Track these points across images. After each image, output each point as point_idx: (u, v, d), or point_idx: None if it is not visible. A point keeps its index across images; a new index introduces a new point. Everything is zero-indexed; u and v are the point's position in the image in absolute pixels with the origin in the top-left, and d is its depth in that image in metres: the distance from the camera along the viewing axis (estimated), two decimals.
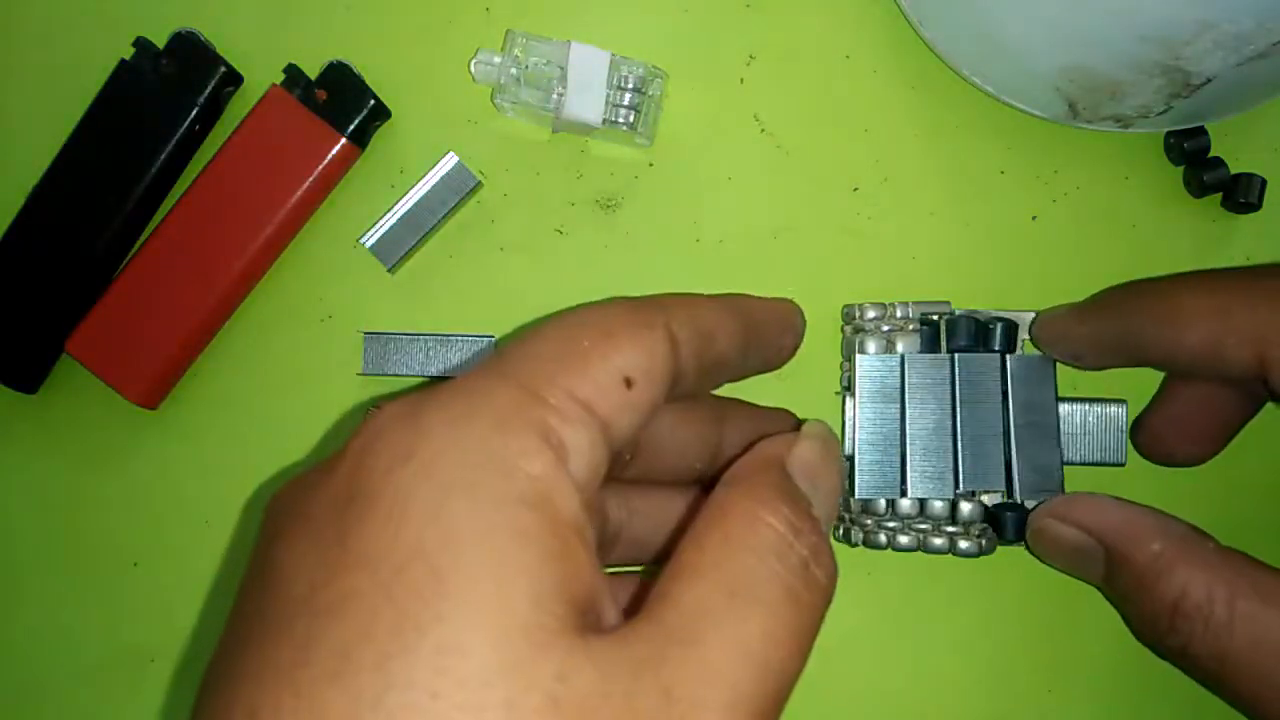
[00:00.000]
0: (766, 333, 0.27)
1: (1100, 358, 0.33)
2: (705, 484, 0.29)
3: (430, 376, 0.37)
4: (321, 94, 0.36)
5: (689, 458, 0.28)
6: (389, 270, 0.37)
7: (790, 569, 0.20)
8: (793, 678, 0.20)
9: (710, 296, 0.25)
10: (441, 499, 0.17)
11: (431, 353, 0.36)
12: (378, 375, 0.37)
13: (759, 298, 0.28)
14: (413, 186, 0.36)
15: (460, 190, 0.36)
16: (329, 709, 0.16)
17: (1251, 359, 0.28)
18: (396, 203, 0.36)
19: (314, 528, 0.18)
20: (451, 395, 0.19)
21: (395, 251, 0.36)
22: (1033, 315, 0.36)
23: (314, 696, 0.16)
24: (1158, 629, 0.28)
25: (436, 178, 0.36)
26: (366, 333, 0.37)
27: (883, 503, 0.34)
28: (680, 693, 0.17)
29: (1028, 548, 0.34)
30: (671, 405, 0.25)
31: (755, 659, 0.18)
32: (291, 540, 0.19)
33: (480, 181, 0.37)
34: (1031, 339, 0.35)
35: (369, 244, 0.36)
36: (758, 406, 0.32)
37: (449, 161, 0.36)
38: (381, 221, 0.36)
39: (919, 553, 0.35)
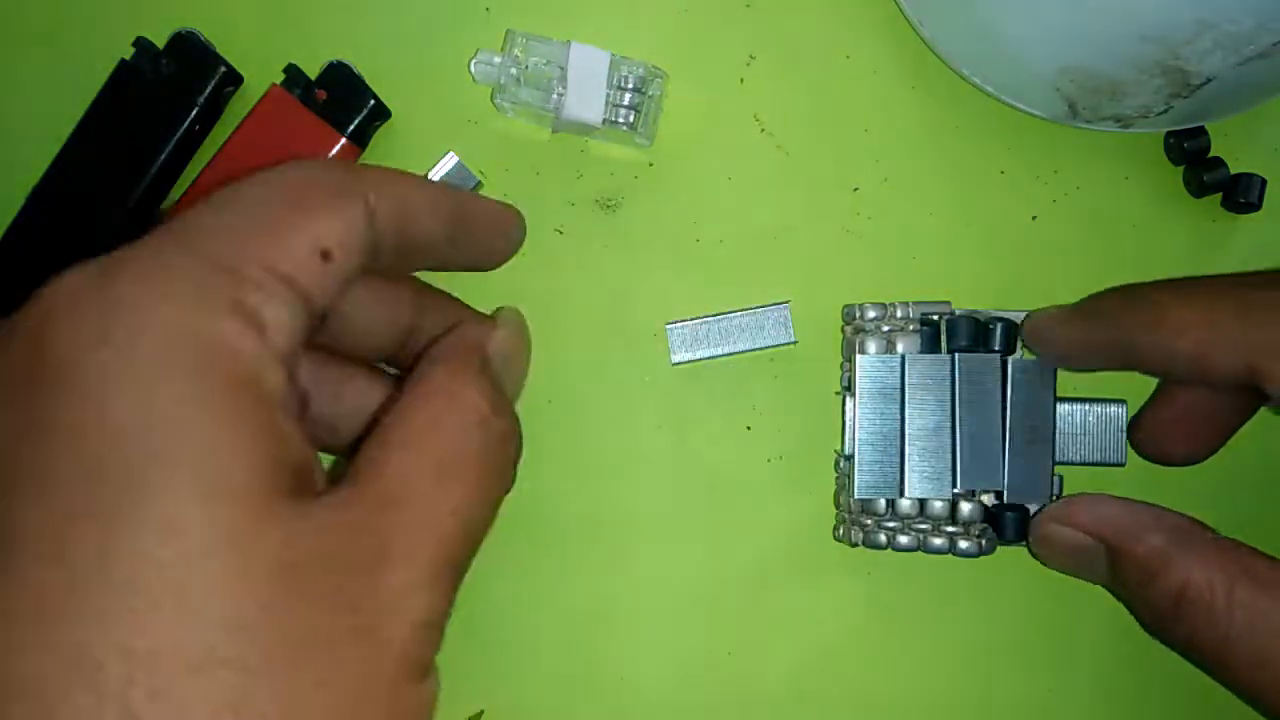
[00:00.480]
0: (477, 228, 0.27)
1: (1089, 361, 0.33)
2: (396, 368, 0.29)
3: None
4: (321, 94, 0.36)
5: (377, 335, 0.27)
6: None
7: (489, 444, 0.21)
8: (485, 533, 0.21)
9: (423, 179, 0.25)
10: (148, 381, 0.17)
11: None
12: None
13: (483, 197, 0.28)
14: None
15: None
16: (46, 589, 0.16)
17: (1241, 368, 0.28)
18: None
19: None
20: (144, 268, 0.18)
21: None
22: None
23: (26, 576, 0.16)
24: (1163, 621, 0.28)
25: (436, 178, 0.36)
26: None
27: (882, 502, 0.34)
28: (396, 550, 0.19)
29: (1032, 554, 0.34)
30: (366, 280, 0.25)
31: (461, 521, 0.20)
32: None
33: (480, 181, 0.37)
34: (1022, 339, 0.35)
35: None
36: (456, 301, 0.30)
37: (449, 161, 0.36)
38: None
39: (919, 553, 0.35)
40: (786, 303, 0.36)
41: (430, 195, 0.24)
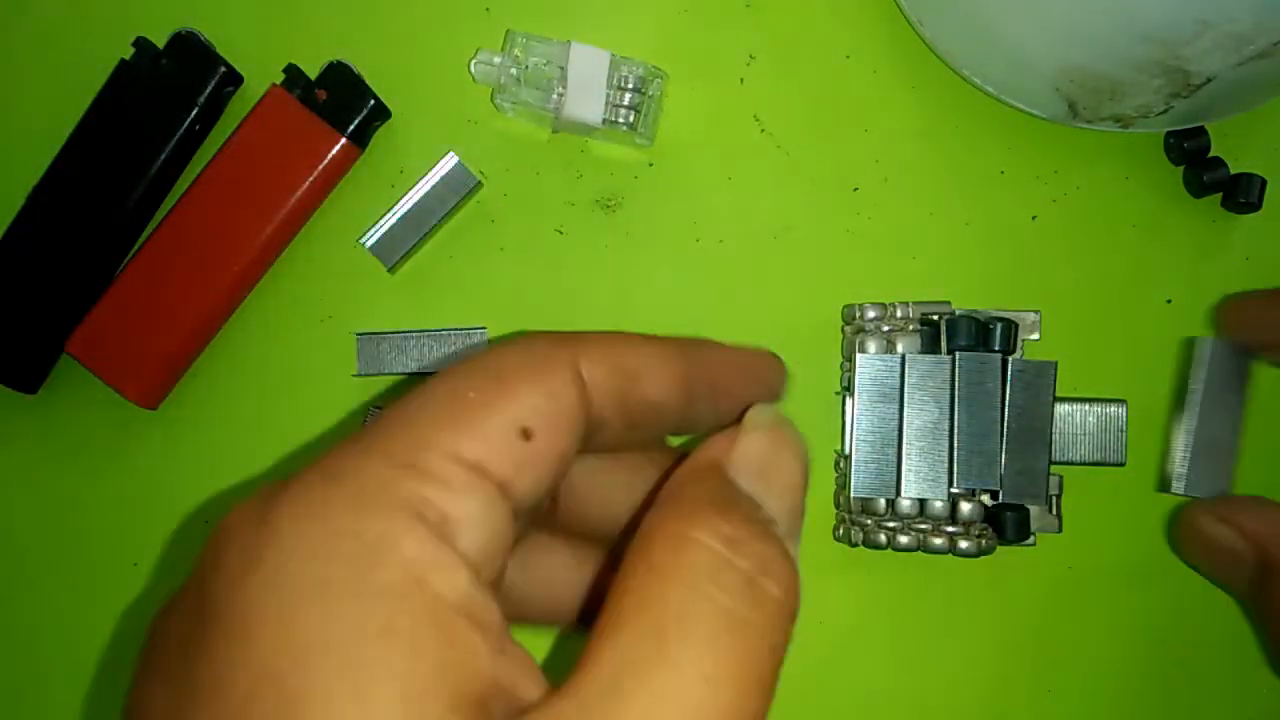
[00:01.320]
0: (723, 382, 0.23)
1: None
2: None
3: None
4: (321, 94, 0.36)
5: (616, 507, 0.23)
6: (389, 270, 0.37)
7: (729, 591, 0.16)
8: (754, 716, 0.16)
9: (646, 336, 0.21)
10: (290, 607, 0.15)
11: (426, 349, 0.36)
12: (374, 375, 0.37)
13: (721, 344, 0.24)
14: (413, 187, 0.36)
15: (460, 190, 0.36)
16: None
17: None
18: (397, 203, 0.36)
19: (164, 659, 0.16)
20: (308, 481, 0.16)
21: (395, 251, 0.36)
22: (1033, 315, 0.36)
23: None
24: None
25: (436, 178, 0.36)
26: (359, 334, 0.37)
27: (882, 502, 0.34)
28: None
29: (1171, 539, 0.32)
30: (602, 458, 0.23)
31: (695, 708, 0.15)
32: (143, 677, 0.16)
33: (480, 181, 0.37)
34: (1217, 324, 0.33)
35: (369, 244, 0.36)
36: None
37: (449, 161, 0.36)
38: (382, 221, 0.36)
39: (919, 553, 0.35)
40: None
41: (657, 353, 0.21)
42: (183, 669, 0.15)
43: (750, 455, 0.20)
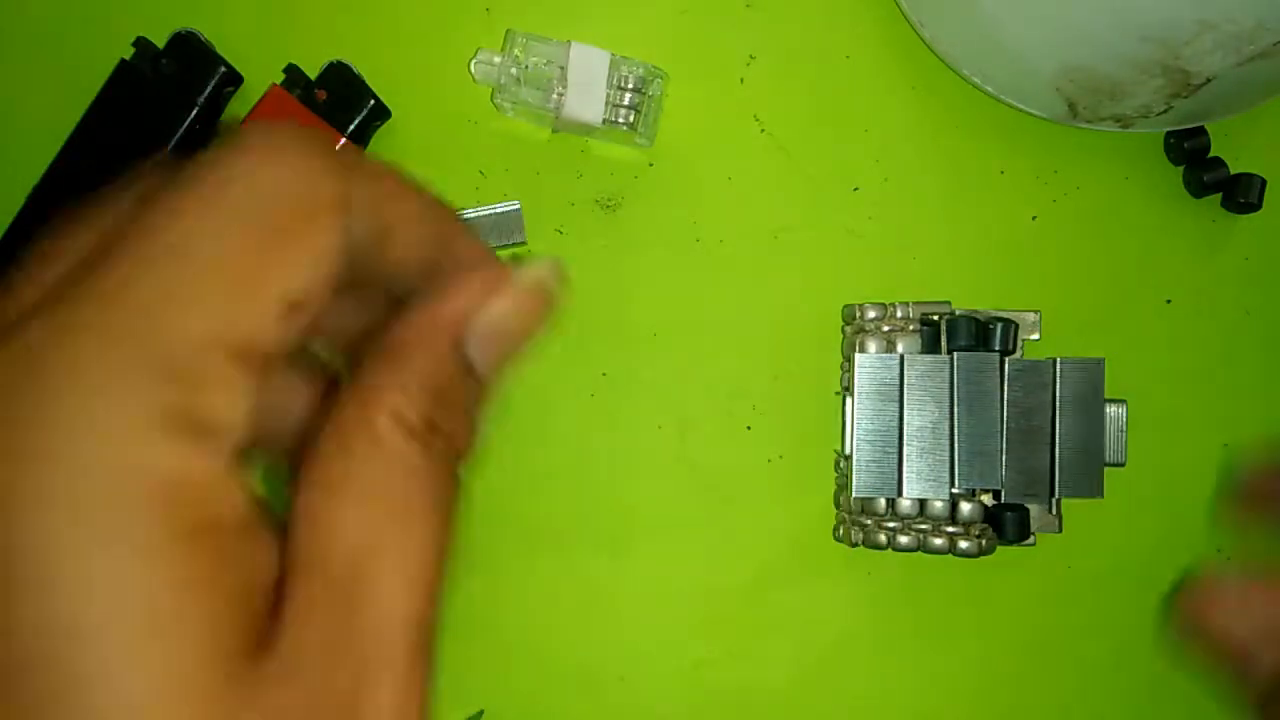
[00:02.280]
0: (461, 266, 0.19)
1: None
2: None
3: None
4: (321, 94, 0.36)
5: (345, 342, 0.21)
6: None
7: (416, 465, 0.16)
8: (447, 561, 0.16)
9: (409, 181, 0.18)
10: (74, 548, 0.13)
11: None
12: None
13: (467, 232, 0.20)
14: (468, 209, 0.36)
15: (506, 237, 0.36)
16: None
17: None
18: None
19: None
20: (60, 389, 0.14)
21: None
22: (1033, 315, 0.36)
23: None
24: None
25: (490, 213, 0.36)
26: None
27: (882, 502, 0.34)
28: (370, 676, 0.15)
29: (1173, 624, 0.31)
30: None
31: (416, 602, 0.16)
32: None
33: (525, 241, 0.37)
34: (1242, 500, 0.32)
35: None
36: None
37: (510, 206, 0.36)
38: None
39: (919, 553, 0.35)
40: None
41: (415, 209, 0.18)
42: None
43: (501, 319, 0.18)
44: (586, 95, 0.35)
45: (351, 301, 0.20)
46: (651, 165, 0.38)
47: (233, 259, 0.15)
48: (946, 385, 0.34)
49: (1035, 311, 0.36)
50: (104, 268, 0.14)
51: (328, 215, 0.16)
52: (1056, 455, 0.34)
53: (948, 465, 0.34)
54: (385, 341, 0.17)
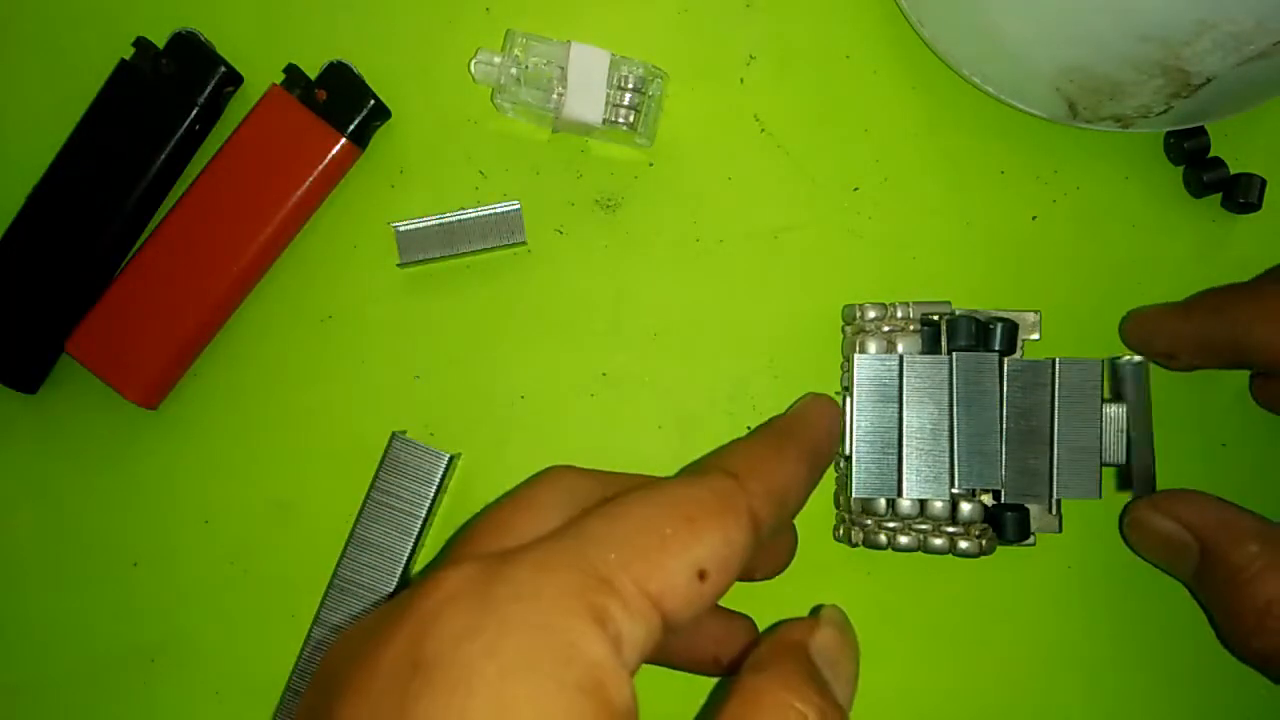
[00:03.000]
0: (826, 458, 0.27)
1: (1197, 356, 0.33)
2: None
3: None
4: (321, 94, 0.36)
5: (719, 646, 0.28)
6: (399, 264, 0.37)
7: None
8: None
9: (779, 446, 0.25)
10: (505, 677, 0.17)
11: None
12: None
13: (812, 415, 0.28)
14: (466, 209, 0.37)
15: (505, 237, 0.36)
16: None
17: None
18: (446, 213, 0.36)
19: (375, 693, 0.18)
20: (522, 570, 0.19)
21: (416, 252, 0.36)
22: (1033, 315, 0.36)
23: None
24: (1243, 631, 0.28)
25: (490, 213, 0.36)
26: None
27: (883, 503, 0.34)
28: None
29: (1123, 535, 0.34)
30: None
31: None
32: (352, 703, 0.18)
33: (525, 242, 0.37)
34: (1121, 335, 0.35)
35: (399, 229, 0.36)
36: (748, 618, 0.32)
37: (510, 206, 0.36)
38: (423, 219, 0.36)
39: (919, 553, 0.35)
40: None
41: (796, 470, 0.24)
42: (398, 703, 0.18)
43: (827, 647, 0.24)
44: (586, 95, 0.35)
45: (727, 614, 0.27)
46: (651, 165, 0.38)
47: (661, 528, 0.20)
48: (946, 385, 0.34)
49: (1035, 311, 0.36)
50: (571, 522, 0.20)
51: (738, 506, 0.21)
52: (1055, 455, 0.34)
53: (947, 465, 0.34)
54: (759, 652, 0.23)
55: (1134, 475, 0.35)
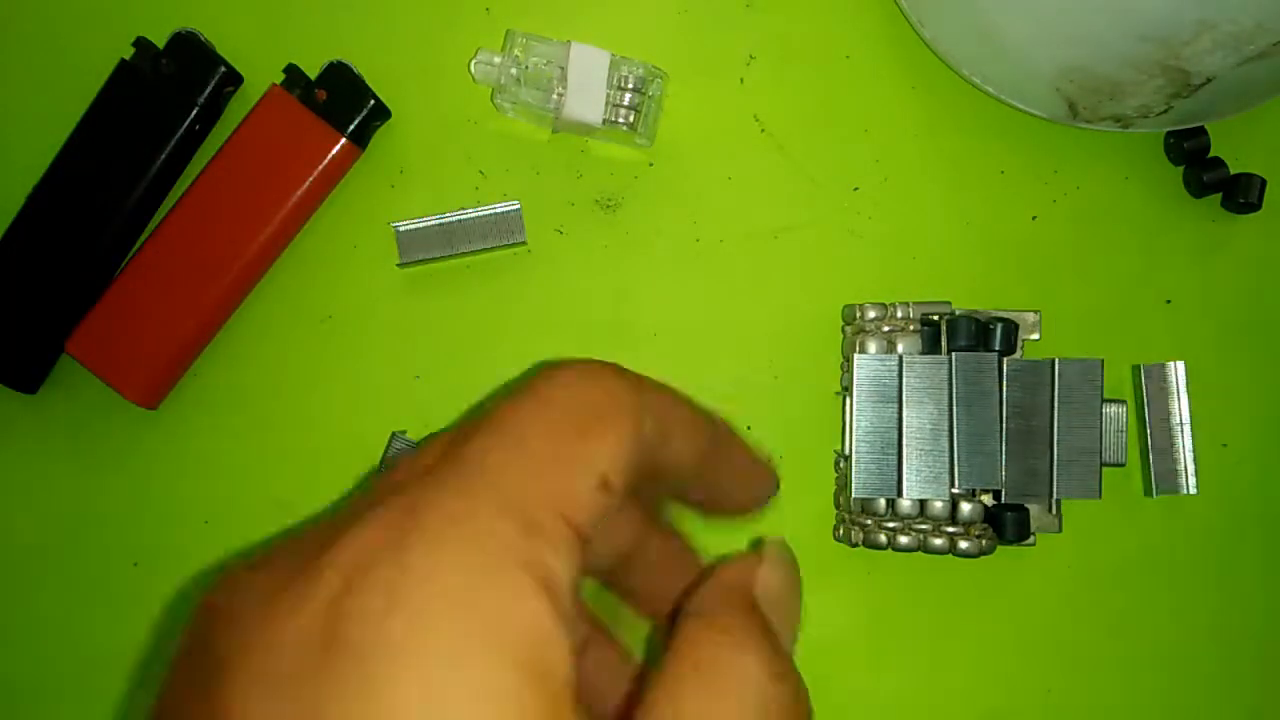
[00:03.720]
0: (726, 470, 0.24)
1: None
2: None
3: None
4: (321, 94, 0.36)
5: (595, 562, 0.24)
6: (399, 264, 0.37)
7: (775, 714, 0.19)
8: None
9: (677, 392, 0.22)
10: (433, 661, 0.16)
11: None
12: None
13: (738, 438, 0.25)
14: (466, 209, 0.37)
15: (506, 237, 0.37)
16: None
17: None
18: (446, 213, 0.37)
19: (276, 678, 0.16)
20: (438, 524, 0.17)
21: (416, 252, 0.36)
22: (1033, 315, 0.36)
23: None
24: None
25: (490, 213, 0.36)
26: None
27: (882, 503, 0.34)
28: None
29: None
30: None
31: None
32: (244, 691, 0.16)
33: (525, 242, 0.37)
34: None
35: (400, 229, 0.36)
36: (680, 532, 0.27)
37: (510, 206, 0.37)
38: (423, 219, 0.36)
39: (919, 553, 0.35)
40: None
41: (689, 417, 0.22)
42: (303, 691, 0.16)
43: (772, 587, 0.22)
44: (586, 95, 0.35)
45: (615, 522, 0.24)
46: (651, 165, 0.38)
47: (559, 443, 0.18)
48: (946, 385, 0.34)
49: (1035, 311, 0.36)
50: (463, 448, 0.18)
51: (628, 415, 0.19)
52: (1055, 455, 0.34)
53: (947, 465, 0.34)
54: (698, 598, 0.21)
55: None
